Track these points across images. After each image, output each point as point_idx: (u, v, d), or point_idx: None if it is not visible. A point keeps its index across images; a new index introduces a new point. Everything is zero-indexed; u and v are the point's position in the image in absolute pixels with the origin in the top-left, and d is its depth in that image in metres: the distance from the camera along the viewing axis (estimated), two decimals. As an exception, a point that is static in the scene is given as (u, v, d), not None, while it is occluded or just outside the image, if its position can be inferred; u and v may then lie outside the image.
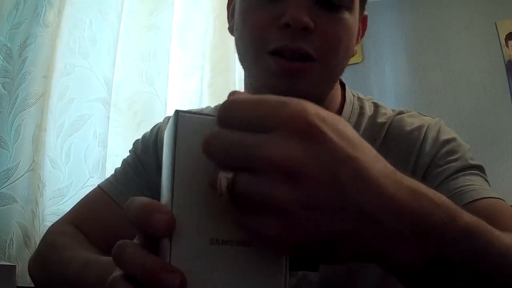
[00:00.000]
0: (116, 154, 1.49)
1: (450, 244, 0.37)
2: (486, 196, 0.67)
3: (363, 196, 0.34)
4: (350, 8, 0.72)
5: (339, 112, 0.81)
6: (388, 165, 0.37)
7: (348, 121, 0.79)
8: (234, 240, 0.37)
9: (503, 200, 0.68)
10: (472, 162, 0.74)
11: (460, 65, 2.97)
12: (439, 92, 2.96)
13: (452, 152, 0.75)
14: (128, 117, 1.54)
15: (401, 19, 3.12)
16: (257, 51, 0.71)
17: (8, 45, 1.17)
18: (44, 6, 1.20)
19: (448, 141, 0.77)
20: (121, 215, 0.77)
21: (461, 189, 0.69)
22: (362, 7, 0.78)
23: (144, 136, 0.93)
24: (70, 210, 0.87)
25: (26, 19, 1.18)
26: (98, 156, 1.32)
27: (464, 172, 0.72)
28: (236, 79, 1.99)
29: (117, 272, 0.37)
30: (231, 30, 0.83)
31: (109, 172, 1.41)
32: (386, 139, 0.79)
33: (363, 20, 0.82)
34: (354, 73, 3.07)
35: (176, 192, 0.36)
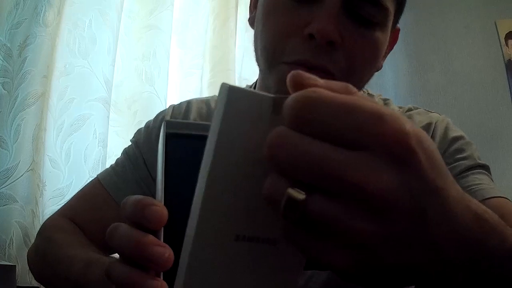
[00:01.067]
0: (116, 154, 1.48)
1: (499, 267, 0.35)
2: (495, 195, 0.67)
3: (441, 229, 0.30)
4: (383, 26, 0.65)
5: None
6: (459, 188, 0.33)
7: None
8: (260, 237, 0.34)
9: (508, 199, 0.68)
10: (480, 162, 0.74)
11: (460, 65, 2.97)
12: (439, 92, 2.96)
13: (460, 150, 0.75)
14: (128, 117, 1.54)
15: (401, 19, 3.11)
16: (273, 59, 0.65)
17: (8, 45, 1.17)
18: (44, 6, 1.20)
19: (456, 139, 0.77)
20: (116, 209, 0.77)
21: (471, 187, 0.68)
22: (396, 22, 0.72)
23: (147, 126, 0.90)
24: (67, 203, 0.87)
25: (25, 19, 1.19)
26: (98, 155, 1.32)
27: (473, 171, 0.72)
28: (236, 78, 1.99)
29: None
30: (251, 21, 0.75)
31: (109, 172, 1.42)
32: None
33: (395, 33, 0.77)
34: (354, 73, 3.06)
35: (211, 179, 0.31)
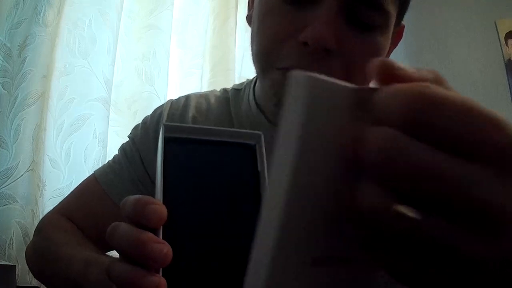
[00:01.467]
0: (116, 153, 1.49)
1: None
2: None
3: None
4: (384, 29, 0.60)
5: None
6: None
7: None
8: (335, 257, 0.28)
9: None
10: None
11: (460, 64, 2.97)
12: (439, 92, 2.96)
13: None
14: (128, 117, 1.54)
15: (400, 19, 3.12)
16: (266, 64, 0.62)
17: (8, 45, 1.17)
18: (44, 6, 1.20)
19: None
20: (111, 206, 0.78)
21: None
22: (399, 20, 0.67)
23: (144, 121, 0.89)
24: (63, 200, 0.87)
25: (25, 18, 1.19)
26: (98, 155, 1.32)
27: None
28: (236, 78, 1.99)
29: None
30: (248, 19, 0.71)
31: (109, 171, 1.42)
32: None
33: (399, 32, 0.72)
34: (354, 73, 3.07)
35: (293, 190, 0.24)
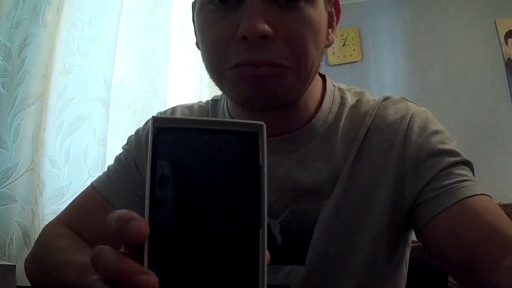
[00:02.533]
0: (116, 153, 1.48)
1: None
2: (479, 193, 0.66)
3: None
4: (311, 2, 0.64)
5: (319, 103, 0.78)
6: None
7: (329, 111, 0.77)
8: None
9: (490, 196, 0.67)
10: (464, 157, 0.72)
11: (460, 64, 2.97)
12: (439, 91, 2.96)
13: (443, 142, 0.73)
14: (128, 116, 1.54)
15: (400, 18, 3.11)
16: (218, 71, 0.67)
17: (7, 45, 1.17)
18: (43, 6, 1.19)
19: (437, 132, 0.74)
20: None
21: (456, 184, 0.67)
22: None
23: (137, 132, 0.92)
24: (63, 211, 0.88)
25: (25, 18, 1.18)
26: (98, 155, 1.32)
27: (457, 167, 0.70)
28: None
29: (96, 275, 0.38)
30: (198, 45, 0.75)
31: (109, 171, 1.41)
32: (370, 127, 0.75)
33: (335, 4, 0.74)
34: (353, 72, 3.06)
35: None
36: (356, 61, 3.10)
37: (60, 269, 0.67)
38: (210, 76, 0.72)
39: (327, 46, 0.72)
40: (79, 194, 0.89)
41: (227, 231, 0.38)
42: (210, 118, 0.40)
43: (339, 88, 0.82)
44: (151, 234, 0.36)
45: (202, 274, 0.37)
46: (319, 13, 0.66)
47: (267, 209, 0.38)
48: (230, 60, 0.63)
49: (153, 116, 0.37)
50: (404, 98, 0.82)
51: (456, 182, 0.67)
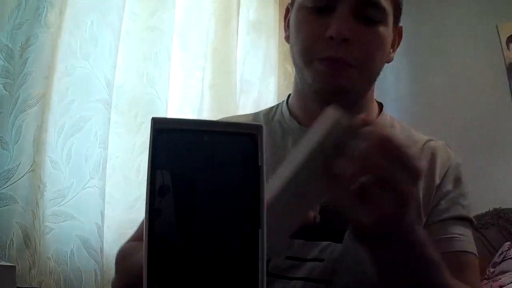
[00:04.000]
0: (117, 155, 1.49)
1: None
2: (470, 250, 0.82)
3: None
4: (384, 23, 0.82)
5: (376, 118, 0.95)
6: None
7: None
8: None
9: (477, 257, 0.84)
10: (471, 217, 0.87)
11: (461, 68, 2.97)
12: (440, 95, 2.96)
13: (464, 195, 0.88)
14: (129, 118, 1.54)
15: (402, 21, 3.11)
16: (309, 58, 0.83)
17: (10, 46, 1.17)
18: (46, 7, 1.20)
19: (462, 182, 0.89)
20: None
21: (455, 236, 0.82)
22: (396, 21, 0.88)
23: None
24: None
25: (27, 19, 1.19)
26: (99, 157, 1.32)
27: (463, 222, 0.85)
28: (237, 80, 1.99)
29: None
30: (287, 39, 0.93)
31: (110, 173, 1.41)
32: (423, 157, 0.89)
33: (398, 31, 0.92)
34: (355, 76, 3.06)
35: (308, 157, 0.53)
36: (358, 65, 3.11)
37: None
38: (295, 63, 0.88)
39: (387, 62, 0.90)
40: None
41: (226, 231, 0.38)
42: (210, 120, 0.40)
43: (391, 116, 0.99)
44: (151, 234, 0.36)
45: (202, 274, 0.37)
46: (389, 33, 0.85)
47: None
48: (318, 53, 0.80)
49: (153, 117, 0.37)
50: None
51: (456, 233, 0.82)
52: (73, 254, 1.25)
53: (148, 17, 1.61)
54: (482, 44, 2.95)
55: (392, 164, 0.50)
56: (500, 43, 2.93)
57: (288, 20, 0.93)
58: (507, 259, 2.04)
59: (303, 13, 0.84)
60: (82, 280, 1.25)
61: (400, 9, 0.88)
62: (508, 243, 2.13)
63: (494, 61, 2.92)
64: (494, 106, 2.86)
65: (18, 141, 1.13)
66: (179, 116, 1.75)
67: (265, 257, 0.38)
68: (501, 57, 2.92)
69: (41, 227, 1.20)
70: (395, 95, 3.04)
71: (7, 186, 1.11)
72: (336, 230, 0.81)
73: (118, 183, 1.48)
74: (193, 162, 0.39)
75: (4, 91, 1.15)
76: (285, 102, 1.01)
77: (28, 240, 1.12)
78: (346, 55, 0.79)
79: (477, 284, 0.82)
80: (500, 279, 1.93)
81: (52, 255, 1.22)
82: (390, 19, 0.85)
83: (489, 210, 2.42)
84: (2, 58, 1.16)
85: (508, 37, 2.92)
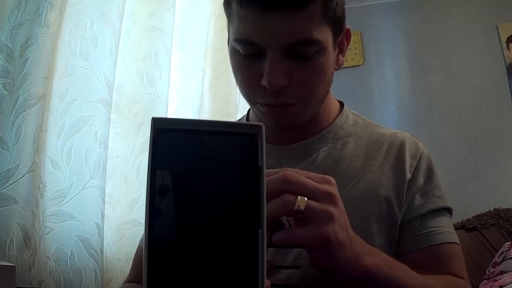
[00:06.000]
0: (117, 155, 1.49)
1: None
2: (450, 241, 0.83)
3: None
4: (321, 52, 0.76)
5: (333, 120, 0.93)
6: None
7: (341, 128, 0.92)
8: None
9: (459, 245, 0.85)
10: (448, 204, 0.87)
11: (461, 68, 2.97)
12: (440, 95, 2.96)
13: (438, 187, 0.87)
14: (129, 119, 1.54)
15: (402, 22, 3.11)
16: (250, 100, 0.83)
17: (9, 46, 1.17)
18: (46, 7, 1.20)
19: (433, 173, 0.88)
20: None
21: (433, 229, 0.83)
22: (338, 33, 0.82)
23: None
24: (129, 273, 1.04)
25: (27, 19, 1.19)
26: (99, 157, 1.32)
27: (440, 213, 0.85)
28: (237, 80, 1.99)
29: None
30: None
31: (110, 173, 1.41)
32: (388, 152, 0.88)
33: (346, 34, 0.86)
34: (355, 76, 3.06)
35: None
36: (358, 65, 3.10)
37: None
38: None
39: (337, 69, 0.85)
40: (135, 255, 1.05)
41: (226, 231, 0.38)
42: (210, 120, 0.40)
43: (353, 113, 0.97)
44: (151, 234, 0.36)
45: (202, 274, 0.37)
46: (329, 58, 0.79)
47: None
48: (257, 98, 0.80)
49: (153, 118, 0.37)
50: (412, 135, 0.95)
51: (434, 227, 0.83)
52: (73, 254, 1.25)
53: (148, 17, 1.61)
54: (482, 45, 2.95)
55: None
56: (500, 43, 2.93)
57: None
58: (507, 259, 2.04)
59: (236, 57, 0.80)
60: (82, 280, 1.25)
61: (340, 19, 0.81)
62: (508, 243, 2.13)
63: (494, 61, 2.92)
64: (494, 106, 2.86)
65: (18, 141, 1.13)
66: (179, 116, 1.75)
67: (265, 257, 0.38)
68: (501, 57, 2.92)
69: (41, 227, 1.20)
70: (395, 95, 3.04)
71: (7, 186, 1.11)
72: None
73: (118, 183, 1.48)
74: (193, 162, 0.39)
75: (4, 91, 1.15)
76: (245, 117, 1.00)
77: (28, 240, 1.12)
78: (286, 99, 0.77)
79: (463, 273, 0.82)
80: (500, 279, 1.93)
81: (52, 255, 1.22)
82: (329, 42, 0.78)
83: (489, 210, 2.42)
84: (2, 58, 1.16)
85: (508, 37, 2.92)
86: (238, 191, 0.39)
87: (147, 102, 1.57)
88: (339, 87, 3.07)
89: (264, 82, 0.75)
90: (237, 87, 0.86)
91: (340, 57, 0.86)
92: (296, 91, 0.77)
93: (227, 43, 0.86)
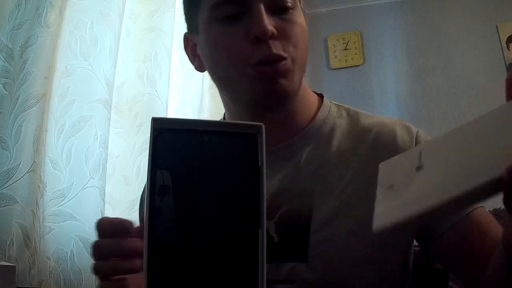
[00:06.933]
0: (117, 155, 1.49)
1: None
2: (477, 206, 0.78)
3: None
4: (296, 6, 0.81)
5: (314, 115, 0.89)
6: None
7: (324, 122, 0.88)
8: None
9: (484, 207, 0.80)
10: None
11: (461, 68, 2.97)
12: (440, 95, 2.96)
13: None
14: (129, 119, 1.54)
15: (402, 22, 3.11)
16: (240, 70, 0.79)
17: (10, 46, 1.17)
18: (46, 7, 1.20)
19: None
20: None
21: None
22: (300, 2, 0.85)
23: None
24: None
25: (27, 19, 1.19)
26: (99, 157, 1.32)
27: None
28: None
29: None
30: (199, 68, 0.92)
31: (110, 173, 1.41)
32: (375, 143, 0.84)
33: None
34: (355, 76, 3.06)
35: None
36: (358, 65, 3.10)
37: None
38: (224, 84, 0.87)
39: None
40: None
41: (227, 231, 0.38)
42: (210, 120, 0.40)
43: (336, 104, 0.93)
44: (151, 234, 0.36)
45: (203, 274, 0.37)
46: (302, 17, 0.83)
47: None
48: (251, 58, 0.77)
49: (153, 118, 0.37)
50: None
51: None
52: (73, 254, 1.25)
53: (148, 17, 1.61)
54: (482, 45, 2.95)
55: None
56: (500, 43, 2.93)
57: (192, 48, 0.91)
58: (507, 259, 2.04)
59: (216, 28, 0.80)
60: (82, 280, 1.25)
61: None
62: (508, 243, 2.13)
63: (494, 61, 2.92)
64: (494, 106, 2.86)
65: (18, 141, 1.13)
66: (179, 116, 1.75)
67: (265, 257, 0.38)
68: (501, 57, 2.92)
69: (41, 227, 1.20)
70: (395, 95, 3.04)
71: (7, 186, 1.11)
72: (297, 249, 0.77)
73: (118, 183, 1.48)
74: (193, 162, 0.39)
75: (4, 91, 1.15)
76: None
77: (28, 240, 1.12)
78: (278, 50, 0.77)
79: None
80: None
81: (52, 255, 1.22)
82: (297, 2, 0.83)
83: (489, 210, 2.42)
84: (2, 58, 1.16)
85: (508, 37, 2.92)
86: (238, 191, 0.39)
87: (147, 102, 1.57)
88: (339, 87, 3.07)
89: (255, 31, 0.76)
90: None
91: None
92: (284, 43, 0.78)
93: (188, 35, 0.90)
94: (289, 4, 0.79)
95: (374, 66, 3.11)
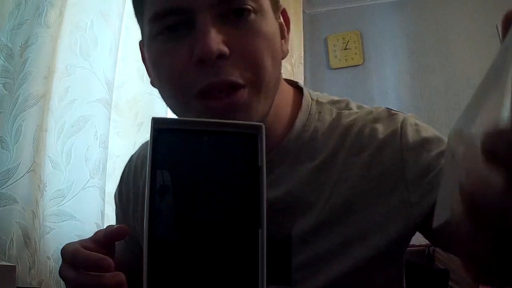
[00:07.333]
0: (117, 155, 1.49)
1: None
2: None
3: None
4: (258, 11, 0.63)
5: (292, 122, 0.75)
6: None
7: (303, 129, 0.74)
8: None
9: None
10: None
11: (462, 68, 2.97)
12: (440, 95, 2.96)
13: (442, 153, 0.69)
14: (129, 118, 1.54)
15: (402, 21, 3.12)
16: (183, 98, 0.64)
17: (9, 46, 1.17)
18: (46, 7, 1.20)
19: (429, 141, 0.71)
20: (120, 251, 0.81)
21: None
22: (274, 4, 0.68)
23: (124, 169, 0.97)
24: None
25: (27, 19, 1.18)
26: (99, 157, 1.32)
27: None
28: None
29: None
30: (153, 83, 0.74)
31: (110, 173, 1.41)
32: (353, 149, 0.73)
33: (283, 14, 0.73)
34: (354, 75, 3.06)
35: None
36: (358, 65, 3.10)
37: None
38: (172, 110, 0.69)
39: (282, 58, 0.70)
40: None
41: (227, 231, 0.38)
42: (210, 120, 0.40)
43: (317, 101, 0.78)
44: (151, 234, 0.36)
45: (202, 274, 0.37)
46: (270, 23, 0.65)
47: None
48: (192, 87, 0.61)
49: (153, 117, 0.38)
50: (389, 108, 0.78)
51: None
52: (73, 254, 1.25)
53: (148, 17, 1.61)
54: (482, 44, 2.95)
55: None
56: (500, 43, 2.93)
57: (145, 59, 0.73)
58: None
59: (157, 44, 0.64)
60: (82, 280, 1.25)
61: None
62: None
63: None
64: (494, 106, 2.86)
65: (18, 141, 1.13)
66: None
67: (265, 257, 0.38)
68: (501, 57, 2.92)
69: (41, 227, 1.20)
70: (395, 95, 3.04)
71: (7, 186, 1.11)
72: (279, 272, 0.71)
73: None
74: (193, 162, 0.39)
75: (4, 90, 1.15)
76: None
77: (28, 240, 1.12)
78: (228, 75, 0.60)
79: None
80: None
81: (52, 255, 1.22)
82: (265, 2, 0.65)
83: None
84: (2, 58, 1.16)
85: (508, 37, 2.93)
86: (238, 191, 0.39)
87: (147, 102, 1.57)
88: (339, 87, 3.08)
89: (197, 52, 0.59)
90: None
91: (283, 43, 0.71)
92: (240, 64, 0.61)
93: (141, 43, 0.73)
94: (249, 7, 0.62)
95: (374, 66, 3.11)
